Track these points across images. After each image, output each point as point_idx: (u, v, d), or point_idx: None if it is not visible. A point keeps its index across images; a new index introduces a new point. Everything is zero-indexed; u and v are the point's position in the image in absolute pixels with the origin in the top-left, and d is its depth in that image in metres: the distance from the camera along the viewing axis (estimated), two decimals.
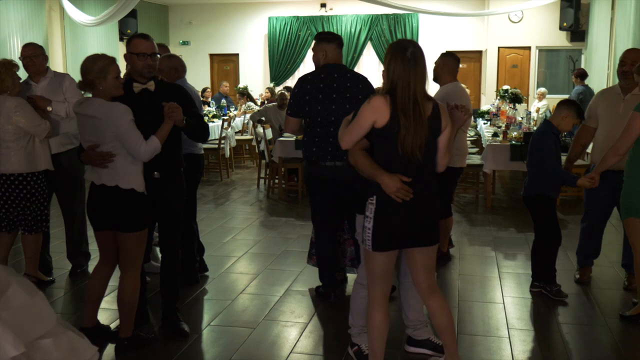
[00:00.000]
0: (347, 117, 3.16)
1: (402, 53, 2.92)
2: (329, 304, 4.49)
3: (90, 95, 3.52)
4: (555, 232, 4.55)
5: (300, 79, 4.35)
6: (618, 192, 4.18)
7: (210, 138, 10.20)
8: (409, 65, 2.90)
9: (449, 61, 5.29)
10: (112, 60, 3.48)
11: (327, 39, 4.28)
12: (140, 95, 3.60)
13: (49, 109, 4.56)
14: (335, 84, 4.18)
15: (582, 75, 10.51)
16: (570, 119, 4.36)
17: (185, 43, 15.99)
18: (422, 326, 3.65)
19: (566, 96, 10.57)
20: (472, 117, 9.99)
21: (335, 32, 14.81)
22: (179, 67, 4.81)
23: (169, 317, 3.99)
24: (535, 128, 8.79)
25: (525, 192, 4.60)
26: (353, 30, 14.79)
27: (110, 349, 3.71)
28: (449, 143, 3.09)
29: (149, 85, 3.61)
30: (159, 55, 3.75)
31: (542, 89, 11.87)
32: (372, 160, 3.02)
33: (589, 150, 5.24)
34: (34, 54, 4.72)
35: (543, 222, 4.57)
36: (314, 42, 4.41)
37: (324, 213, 4.43)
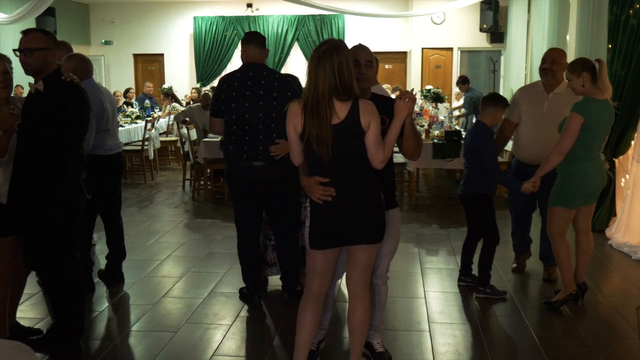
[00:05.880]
0: None
1: (315, 51, 2.93)
2: (252, 305, 4.46)
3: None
4: (494, 231, 4.59)
5: (219, 79, 4.36)
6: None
7: (133, 139, 10.12)
8: (313, 62, 2.90)
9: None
10: None
11: (246, 39, 4.29)
12: (34, 95, 3.43)
13: None
14: (250, 81, 4.16)
15: (466, 80, 11.08)
16: (500, 114, 4.49)
17: (107, 42, 15.57)
18: None
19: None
20: None
21: (261, 32, 14.74)
22: (77, 68, 4.45)
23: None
24: (457, 127, 9.04)
25: (463, 191, 4.65)
26: (280, 30, 14.78)
27: None
28: (389, 138, 3.02)
29: (38, 86, 3.42)
30: (36, 51, 3.40)
31: (458, 89, 12.23)
32: (304, 166, 3.07)
33: (507, 147, 5.44)
34: None
35: (481, 220, 4.63)
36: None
37: (245, 214, 4.39)
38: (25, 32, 3.43)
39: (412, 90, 3.24)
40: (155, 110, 11.88)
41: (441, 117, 9.24)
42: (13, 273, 3.60)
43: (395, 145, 3.18)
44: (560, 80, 4.67)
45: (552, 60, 4.65)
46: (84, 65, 4.61)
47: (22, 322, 3.97)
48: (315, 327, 3.19)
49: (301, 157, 3.07)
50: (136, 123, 10.56)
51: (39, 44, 3.40)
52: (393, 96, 3.67)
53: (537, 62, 5.07)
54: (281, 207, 4.33)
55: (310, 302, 3.15)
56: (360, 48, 3.27)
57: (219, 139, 8.01)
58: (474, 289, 4.66)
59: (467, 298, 4.61)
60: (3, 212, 3.45)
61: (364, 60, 3.21)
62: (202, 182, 8.49)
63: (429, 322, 4.17)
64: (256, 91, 4.13)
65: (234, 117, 4.16)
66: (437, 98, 10.28)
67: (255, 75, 4.17)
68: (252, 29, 14.63)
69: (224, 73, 15.12)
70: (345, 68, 2.87)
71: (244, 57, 4.30)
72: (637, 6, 5.84)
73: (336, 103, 2.89)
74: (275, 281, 4.82)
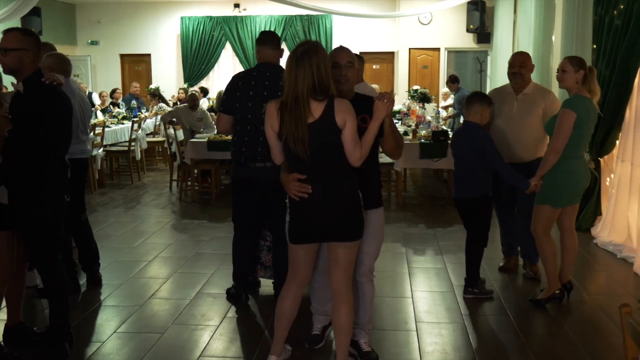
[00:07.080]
0: None
1: (293, 52, 2.99)
2: (240, 305, 4.45)
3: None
4: (487, 233, 4.59)
5: (233, 76, 4.29)
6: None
7: (119, 140, 10.07)
8: (292, 63, 2.95)
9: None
10: None
11: (261, 40, 4.29)
12: (17, 95, 3.41)
13: None
14: (267, 82, 4.14)
15: (456, 80, 11.14)
16: (487, 112, 4.52)
17: (94, 43, 15.47)
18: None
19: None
20: None
21: (249, 32, 14.73)
22: (54, 67, 4.37)
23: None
24: (444, 127, 9.07)
25: (460, 194, 4.55)
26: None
27: None
28: (366, 137, 3.06)
29: (18, 87, 3.40)
30: (10, 51, 3.37)
31: (445, 89, 12.28)
32: (285, 164, 3.14)
33: None
34: None
35: (481, 222, 4.56)
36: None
37: (247, 215, 4.35)
38: (5, 32, 3.42)
39: (392, 91, 3.30)
40: (142, 111, 11.84)
41: (428, 117, 9.26)
42: (10, 270, 3.59)
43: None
44: (528, 82, 4.88)
45: (520, 64, 4.83)
46: (62, 65, 4.54)
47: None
48: (293, 315, 3.29)
49: (281, 156, 3.15)
50: (123, 124, 10.51)
51: (14, 44, 3.36)
52: None
53: None
54: (284, 209, 4.29)
55: (292, 291, 3.25)
56: (341, 50, 3.30)
57: (206, 139, 8.00)
58: (463, 290, 4.66)
59: (454, 297, 4.62)
60: (2, 210, 3.46)
61: (344, 62, 3.24)
62: (189, 183, 8.46)
63: (416, 321, 4.18)
64: (274, 92, 4.07)
65: (250, 116, 4.12)
66: (424, 98, 10.31)
67: (272, 75, 4.15)
68: (240, 30, 14.61)
69: (211, 73, 15.22)
70: (323, 69, 2.97)
71: (258, 57, 4.29)
72: (622, 7, 5.89)
73: (312, 102, 2.96)
74: (264, 282, 4.82)
